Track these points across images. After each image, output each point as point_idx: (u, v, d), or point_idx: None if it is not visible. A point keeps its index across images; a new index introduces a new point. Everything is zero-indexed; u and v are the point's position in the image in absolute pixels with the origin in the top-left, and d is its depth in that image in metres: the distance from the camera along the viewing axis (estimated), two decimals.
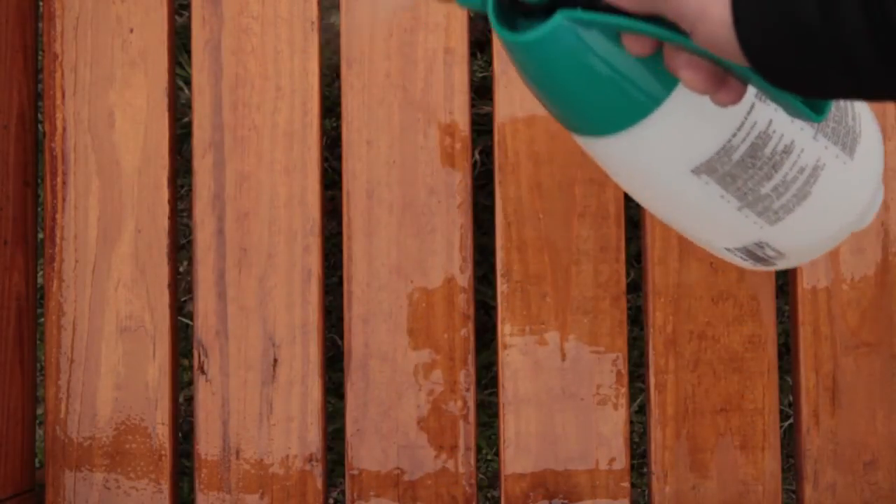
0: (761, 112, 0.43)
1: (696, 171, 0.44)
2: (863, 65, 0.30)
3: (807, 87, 0.33)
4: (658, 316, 0.72)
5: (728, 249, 0.50)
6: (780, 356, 0.73)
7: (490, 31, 0.73)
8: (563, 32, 0.40)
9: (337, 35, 0.75)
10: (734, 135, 0.43)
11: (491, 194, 0.73)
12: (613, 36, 0.40)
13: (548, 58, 0.41)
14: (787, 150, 0.44)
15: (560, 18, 0.39)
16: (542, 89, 0.44)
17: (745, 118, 0.43)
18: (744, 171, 0.44)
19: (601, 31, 0.40)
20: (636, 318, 0.83)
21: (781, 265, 0.51)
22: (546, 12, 0.40)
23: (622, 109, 0.43)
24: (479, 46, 0.98)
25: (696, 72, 0.36)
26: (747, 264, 0.51)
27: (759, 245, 0.48)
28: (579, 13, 0.39)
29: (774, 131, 0.44)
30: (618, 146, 0.44)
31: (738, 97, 0.37)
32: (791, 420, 0.85)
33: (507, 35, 0.41)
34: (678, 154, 0.44)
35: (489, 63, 0.74)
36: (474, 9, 0.42)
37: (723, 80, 0.36)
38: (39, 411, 0.82)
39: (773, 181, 0.45)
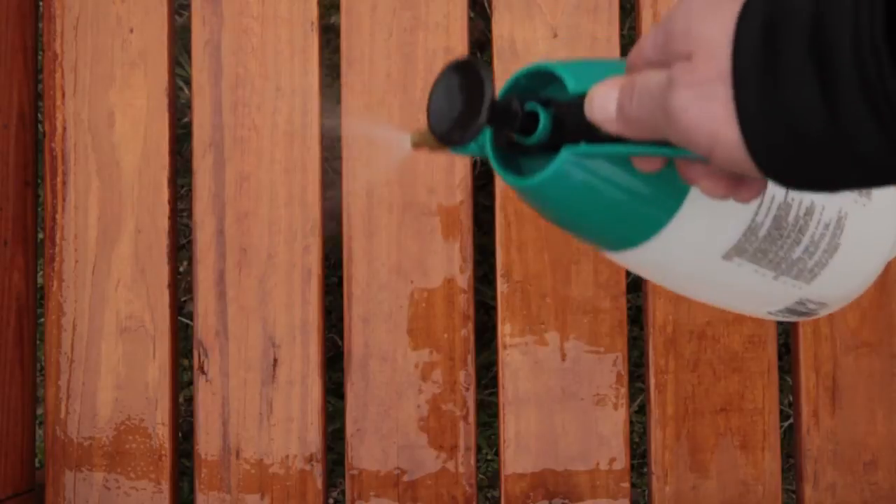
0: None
1: (727, 256, 0.44)
2: (873, 156, 0.30)
3: (822, 187, 0.33)
4: (658, 316, 0.72)
5: (771, 312, 0.50)
6: (780, 356, 0.73)
7: (490, 30, 0.73)
8: (570, 167, 0.39)
9: (337, 35, 0.74)
10: (756, 214, 0.43)
11: (491, 194, 0.73)
12: (620, 160, 0.39)
13: (558, 193, 0.41)
14: (809, 212, 0.45)
15: (566, 155, 0.39)
16: (558, 220, 0.44)
17: (763, 196, 0.43)
18: (772, 244, 0.45)
19: (608, 158, 0.40)
20: (636, 318, 0.83)
21: (825, 312, 0.52)
22: (547, 147, 0.40)
23: (642, 223, 0.43)
24: (479, 46, 0.98)
25: (714, 180, 0.36)
26: (792, 319, 0.52)
27: (801, 303, 0.49)
28: (585, 148, 0.38)
29: (793, 198, 0.44)
30: (646, 255, 0.44)
31: (760, 191, 0.37)
32: (791, 420, 0.85)
33: (514, 181, 0.41)
34: (706, 247, 0.45)
35: (489, 63, 0.74)
36: (474, 156, 0.42)
37: (741, 180, 0.36)
38: (39, 411, 0.82)
39: (802, 244, 0.45)
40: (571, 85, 0.39)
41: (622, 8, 0.74)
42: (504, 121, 0.39)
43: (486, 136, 0.42)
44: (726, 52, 0.31)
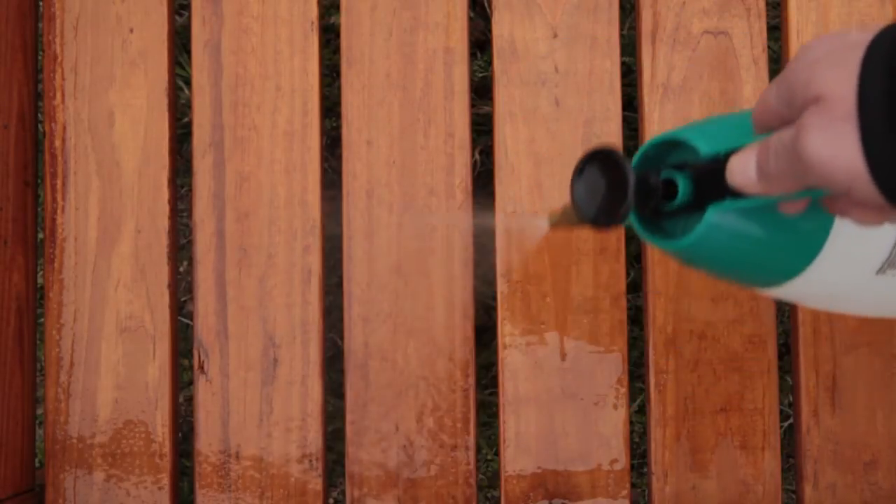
0: None
1: (881, 271, 0.46)
2: None
3: None
4: (658, 316, 0.72)
5: None
6: (780, 356, 0.73)
7: (490, 31, 0.73)
8: (717, 223, 0.41)
9: (337, 35, 0.74)
10: None
11: (491, 194, 0.73)
12: (765, 208, 0.41)
13: (710, 248, 0.42)
14: None
15: (712, 214, 0.41)
16: (712, 271, 0.46)
17: None
18: None
19: (753, 209, 0.41)
20: (636, 318, 0.83)
21: None
22: (690, 207, 0.42)
23: (793, 258, 0.44)
24: (479, 46, 0.98)
25: (864, 211, 0.38)
26: None
27: None
28: (730, 204, 0.40)
29: None
30: (800, 287, 0.46)
31: None
32: (791, 420, 0.85)
33: (666, 245, 0.43)
34: (859, 267, 0.46)
35: (489, 63, 0.74)
36: (619, 226, 0.44)
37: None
38: (39, 411, 0.82)
39: None
40: (704, 149, 0.41)
41: (622, 8, 0.74)
42: (646, 195, 0.42)
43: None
44: (852, 96, 0.33)
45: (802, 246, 0.44)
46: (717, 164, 0.40)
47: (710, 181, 0.40)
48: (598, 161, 0.42)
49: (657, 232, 0.44)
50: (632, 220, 0.44)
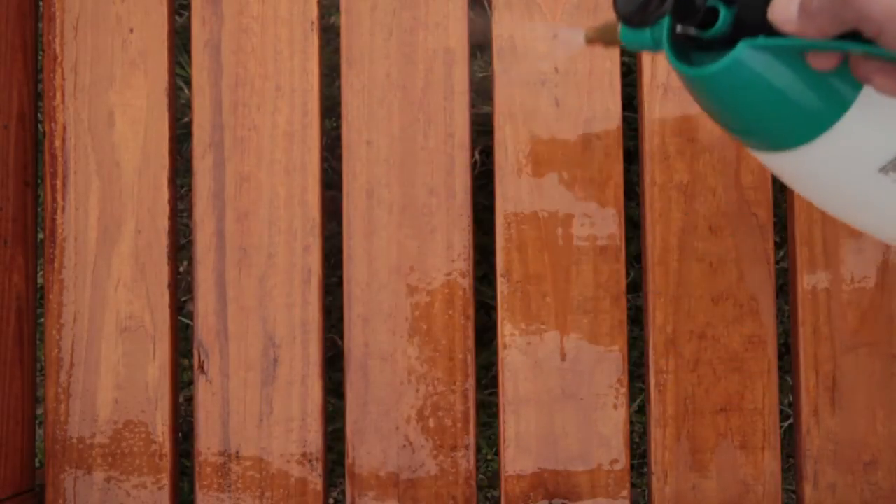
0: None
1: (884, 169, 0.44)
2: None
3: None
4: (658, 316, 0.72)
5: None
6: (780, 356, 0.73)
7: (490, 31, 0.73)
8: (746, 60, 0.41)
9: (337, 35, 0.74)
10: None
11: (491, 194, 0.73)
12: (795, 55, 0.40)
13: (730, 85, 0.42)
14: None
15: (743, 47, 0.40)
16: (724, 115, 0.45)
17: None
18: None
19: (784, 53, 0.41)
20: (636, 318, 0.83)
21: None
22: (722, 43, 0.41)
23: (808, 122, 0.43)
24: (479, 46, 0.98)
25: (888, 76, 0.37)
26: None
27: None
28: (763, 41, 0.39)
29: None
30: (804, 158, 0.45)
31: None
32: (791, 420, 0.85)
33: (688, 70, 0.42)
34: (865, 156, 0.45)
35: (489, 63, 0.74)
36: (645, 49, 0.44)
37: None
38: (39, 411, 0.82)
39: None
40: None
41: None
42: (686, 12, 0.41)
43: (663, 29, 0.43)
44: None
45: (819, 111, 0.43)
46: (762, 4, 0.39)
47: (752, 17, 0.40)
48: None
49: (683, 60, 0.43)
50: (664, 42, 0.43)
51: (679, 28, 0.43)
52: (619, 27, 0.46)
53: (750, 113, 0.44)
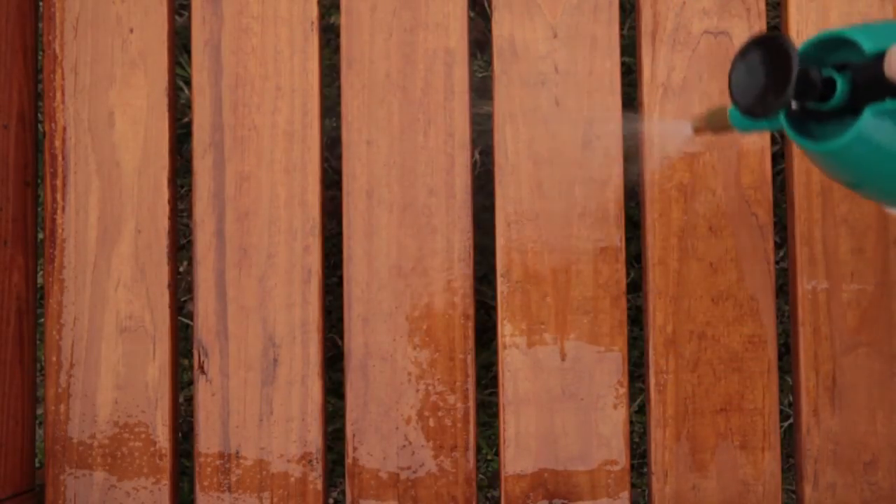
0: None
1: None
2: None
3: None
4: (658, 316, 0.72)
5: None
6: (780, 356, 0.73)
7: (490, 30, 0.73)
8: (873, 125, 0.40)
9: (337, 35, 0.74)
10: None
11: (491, 194, 0.73)
12: None
13: (860, 152, 0.41)
14: None
15: (870, 114, 0.39)
16: (856, 180, 0.44)
17: None
18: None
19: None
20: (636, 318, 0.83)
21: None
22: (842, 111, 0.40)
23: None
24: (479, 46, 0.98)
25: None
26: None
27: None
28: (890, 104, 0.39)
29: None
30: None
31: None
32: (791, 420, 0.85)
33: (817, 147, 0.41)
34: None
35: (489, 63, 0.74)
36: (760, 130, 0.42)
37: None
38: (39, 411, 0.82)
39: None
40: (868, 46, 0.40)
41: (622, 8, 0.74)
42: (805, 90, 0.40)
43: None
44: None
45: None
46: (880, 64, 0.38)
47: (870, 81, 0.39)
48: (762, 48, 0.41)
49: (803, 134, 0.43)
50: (783, 121, 0.42)
51: (794, 104, 0.42)
52: (729, 113, 0.45)
53: (883, 174, 0.43)
